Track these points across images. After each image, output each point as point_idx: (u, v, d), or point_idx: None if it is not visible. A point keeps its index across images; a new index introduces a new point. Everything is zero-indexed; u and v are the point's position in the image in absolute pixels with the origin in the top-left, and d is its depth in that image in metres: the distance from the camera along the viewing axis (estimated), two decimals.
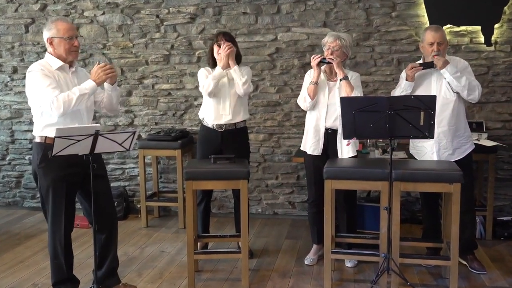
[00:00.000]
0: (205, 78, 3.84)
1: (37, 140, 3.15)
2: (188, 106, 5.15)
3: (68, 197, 3.15)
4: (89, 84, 3.06)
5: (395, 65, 4.75)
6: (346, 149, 3.69)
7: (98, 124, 2.98)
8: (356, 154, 3.74)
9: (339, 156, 3.69)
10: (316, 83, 3.66)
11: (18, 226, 4.94)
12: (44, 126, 3.10)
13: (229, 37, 3.88)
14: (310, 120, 3.79)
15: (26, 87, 3.11)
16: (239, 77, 3.77)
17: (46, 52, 3.18)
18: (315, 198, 3.82)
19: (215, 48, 3.85)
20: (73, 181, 3.15)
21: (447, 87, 3.56)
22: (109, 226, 3.32)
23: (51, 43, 3.12)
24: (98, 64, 3.13)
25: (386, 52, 4.75)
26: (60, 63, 3.12)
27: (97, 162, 3.11)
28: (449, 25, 4.57)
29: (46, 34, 3.13)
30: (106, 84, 3.22)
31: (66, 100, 2.97)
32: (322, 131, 3.71)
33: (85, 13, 5.14)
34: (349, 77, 3.65)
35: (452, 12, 4.57)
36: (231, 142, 3.89)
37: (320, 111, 3.71)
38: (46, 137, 3.10)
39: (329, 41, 3.68)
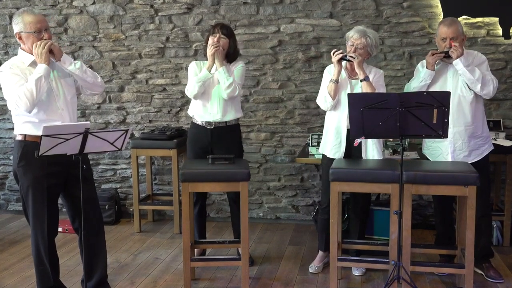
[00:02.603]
0: (193, 76, 3.87)
1: (17, 138, 3.19)
2: (184, 102, 5.15)
3: (50, 198, 3.17)
4: (39, 68, 3.06)
5: (406, 59, 4.75)
6: (371, 152, 3.67)
7: (87, 122, 2.99)
8: (382, 157, 3.71)
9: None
10: (337, 82, 3.64)
11: (2, 231, 4.95)
12: (22, 123, 3.15)
13: (226, 31, 3.88)
14: (331, 121, 3.76)
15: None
16: (224, 80, 3.77)
17: (19, 48, 3.21)
18: (329, 204, 3.81)
19: (210, 40, 3.86)
20: (55, 182, 3.18)
21: (463, 84, 3.57)
22: (96, 232, 3.33)
23: (20, 38, 3.15)
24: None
25: (397, 45, 4.76)
26: (32, 58, 3.14)
27: (83, 162, 3.09)
28: (464, 16, 4.57)
29: (15, 28, 3.16)
30: (57, 65, 3.19)
31: (26, 92, 2.99)
32: (344, 132, 3.67)
33: (74, 3, 5.15)
34: (372, 76, 3.64)
35: (468, 2, 4.58)
36: (221, 140, 3.91)
37: (342, 111, 3.67)
38: (25, 134, 3.14)
39: (354, 37, 3.63)
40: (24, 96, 2.98)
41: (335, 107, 3.70)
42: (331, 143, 3.74)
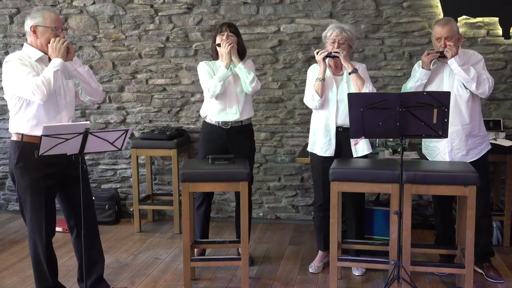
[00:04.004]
0: (208, 76, 3.85)
1: (14, 138, 3.17)
2: (185, 102, 5.15)
3: (48, 199, 3.17)
4: (55, 62, 3.07)
5: (406, 59, 4.75)
6: (360, 146, 3.71)
7: (87, 122, 2.99)
8: (371, 151, 3.77)
9: (354, 154, 3.71)
10: (323, 79, 3.67)
11: (2, 231, 4.95)
12: (19, 122, 3.13)
13: (234, 29, 3.90)
14: (319, 119, 3.79)
15: (2, 79, 3.13)
16: (246, 75, 3.79)
17: (25, 43, 3.20)
18: (323, 202, 3.83)
19: (219, 39, 3.85)
20: (52, 183, 3.18)
21: (459, 83, 3.57)
22: (91, 231, 3.34)
23: (34, 32, 3.15)
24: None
25: (397, 45, 4.76)
26: (40, 53, 3.14)
27: (80, 162, 3.07)
28: (464, 16, 4.57)
29: (30, 22, 3.16)
30: (68, 64, 3.19)
31: (44, 81, 2.98)
32: (333, 130, 3.71)
33: (74, 3, 5.15)
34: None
35: (468, 2, 4.58)
36: (236, 139, 3.92)
37: (330, 108, 3.72)
38: (22, 134, 3.12)
39: (333, 34, 3.69)
40: (42, 84, 2.97)
41: (322, 105, 3.73)
42: (321, 141, 3.77)
